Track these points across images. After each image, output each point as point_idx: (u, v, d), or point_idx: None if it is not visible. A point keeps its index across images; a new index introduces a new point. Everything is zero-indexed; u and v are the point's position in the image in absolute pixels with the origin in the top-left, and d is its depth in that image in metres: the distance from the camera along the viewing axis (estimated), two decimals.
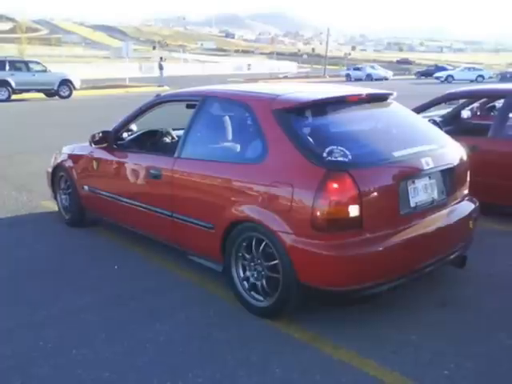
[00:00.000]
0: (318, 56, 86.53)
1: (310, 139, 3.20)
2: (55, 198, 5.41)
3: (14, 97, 21.63)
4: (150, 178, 4.04)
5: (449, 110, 6.89)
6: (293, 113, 3.32)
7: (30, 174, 7.33)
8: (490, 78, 43.84)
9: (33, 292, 3.71)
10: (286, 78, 44.38)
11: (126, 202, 4.34)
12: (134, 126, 4.86)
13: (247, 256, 3.34)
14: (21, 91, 21.95)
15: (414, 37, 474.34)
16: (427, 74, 52.70)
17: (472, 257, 3.80)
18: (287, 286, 3.08)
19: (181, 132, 4.20)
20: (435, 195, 3.41)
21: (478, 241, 3.88)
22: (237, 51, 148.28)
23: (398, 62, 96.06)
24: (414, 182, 3.26)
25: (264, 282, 3.25)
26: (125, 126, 4.65)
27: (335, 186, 2.89)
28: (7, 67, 21.45)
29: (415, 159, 3.30)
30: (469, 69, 47.62)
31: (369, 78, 45.57)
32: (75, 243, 4.72)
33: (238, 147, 3.68)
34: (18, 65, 22.36)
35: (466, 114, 6.59)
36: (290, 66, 64.03)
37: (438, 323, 3.20)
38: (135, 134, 4.83)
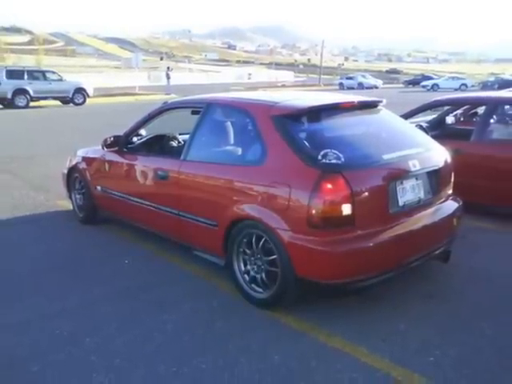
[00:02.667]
0: (314, 66, 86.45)
1: (306, 143, 3.21)
2: (70, 198, 5.41)
3: (32, 104, 21.63)
4: (157, 179, 4.04)
5: (434, 116, 6.90)
6: (290, 119, 3.31)
7: (47, 175, 7.31)
8: (473, 86, 43.77)
9: (49, 285, 3.71)
10: (283, 86, 44.34)
11: (136, 202, 4.34)
12: (143, 131, 4.86)
13: (248, 251, 3.34)
14: (38, 99, 21.94)
15: (402, 48, 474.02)
16: (414, 82, 52.59)
17: (456, 252, 3.80)
18: (285, 279, 3.08)
19: (186, 136, 4.21)
20: (422, 195, 3.42)
21: (461, 237, 3.88)
22: (238, 61, 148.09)
23: (387, 71, 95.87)
24: (402, 183, 3.26)
25: (263, 275, 3.25)
26: (134, 130, 4.66)
27: (329, 186, 2.90)
28: (26, 76, 21.45)
29: (403, 162, 3.30)
30: (453, 78, 47.54)
31: (360, 86, 45.46)
32: (88, 240, 4.72)
33: (239, 150, 3.68)
34: (35, 74, 22.31)
35: (450, 119, 6.60)
36: (288, 76, 64.01)
37: (425, 314, 3.20)
38: (144, 138, 4.83)
